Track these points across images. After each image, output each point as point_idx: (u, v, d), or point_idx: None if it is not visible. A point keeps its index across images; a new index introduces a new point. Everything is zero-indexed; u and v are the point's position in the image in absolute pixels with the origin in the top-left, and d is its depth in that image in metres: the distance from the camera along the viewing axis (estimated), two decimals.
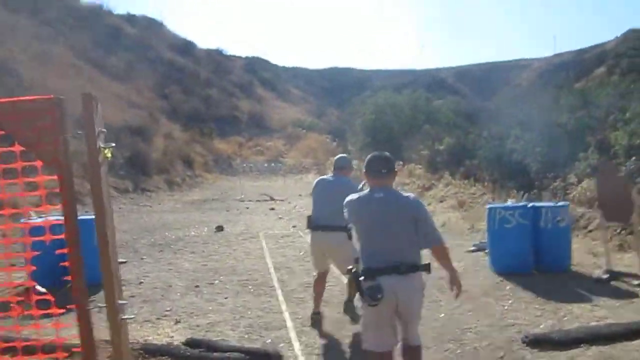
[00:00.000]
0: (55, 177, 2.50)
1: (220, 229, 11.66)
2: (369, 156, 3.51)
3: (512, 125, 20.70)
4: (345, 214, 3.51)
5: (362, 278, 3.17)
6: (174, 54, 40.99)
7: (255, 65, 55.06)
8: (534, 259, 7.00)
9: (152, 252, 9.33)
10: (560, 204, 7.33)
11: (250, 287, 6.74)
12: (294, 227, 11.86)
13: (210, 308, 5.84)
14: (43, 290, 3.42)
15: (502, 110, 23.45)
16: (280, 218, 13.65)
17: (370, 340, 3.27)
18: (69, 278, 2.55)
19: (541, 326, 4.97)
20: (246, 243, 10.06)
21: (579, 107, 16.77)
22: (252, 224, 12.75)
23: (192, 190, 22.31)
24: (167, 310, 5.78)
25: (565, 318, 5.19)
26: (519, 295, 6.01)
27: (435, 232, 3.31)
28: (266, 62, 62.97)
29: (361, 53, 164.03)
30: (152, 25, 44.37)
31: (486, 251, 8.23)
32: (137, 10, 45.99)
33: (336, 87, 72.02)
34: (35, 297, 2.80)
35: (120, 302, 2.73)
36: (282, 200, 18.13)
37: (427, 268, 3.28)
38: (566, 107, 16.74)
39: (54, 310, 2.77)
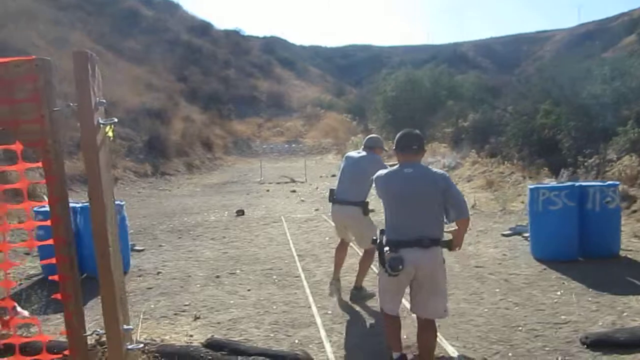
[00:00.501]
0: None
1: (240, 213, 11.24)
2: (400, 133, 3.59)
3: (540, 99, 19.87)
4: (375, 189, 3.65)
5: (386, 249, 3.30)
6: (191, 36, 40.44)
7: (273, 45, 54.33)
8: (579, 244, 6.42)
9: (171, 238, 8.94)
10: (608, 183, 6.68)
11: (274, 277, 6.28)
12: (316, 210, 11.39)
13: (232, 302, 5.40)
14: (26, 313, 2.97)
15: (528, 84, 22.49)
16: (302, 201, 13.18)
17: (387, 305, 3.49)
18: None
19: (599, 323, 4.42)
20: (268, 228, 9.62)
21: (614, 78, 15.88)
22: (273, 207, 12.31)
23: (212, 173, 21.95)
24: (185, 305, 5.35)
25: (625, 313, 4.62)
26: (568, 286, 5.44)
27: (465, 205, 3.42)
28: (284, 41, 62.25)
29: (379, 29, 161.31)
30: (168, 7, 43.87)
31: (525, 235, 7.68)
32: None
33: (354, 64, 71.06)
34: (16, 321, 2.28)
35: (126, 327, 2.13)
36: (302, 182, 17.66)
37: (449, 245, 3.40)
38: (600, 78, 15.85)
39: (41, 337, 2.27)
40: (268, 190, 15.70)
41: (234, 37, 47.08)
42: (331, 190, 5.31)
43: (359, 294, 5.30)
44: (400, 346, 3.50)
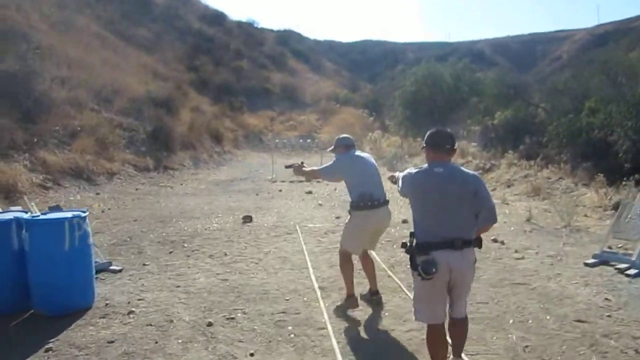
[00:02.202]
0: None
1: (248, 219, 9.29)
2: (431, 130, 3.38)
3: (579, 96, 17.80)
4: (401, 187, 3.44)
5: (416, 252, 3.10)
6: (203, 25, 38.48)
7: (287, 38, 52.20)
8: None
9: (160, 254, 7.01)
10: None
11: (289, 328, 4.34)
12: (337, 218, 9.40)
13: None
14: None
15: (559, 81, 20.35)
16: (319, 205, 11.18)
17: (423, 313, 3.21)
18: None
19: None
20: (280, 242, 7.66)
21: None
22: (286, 212, 10.34)
23: (220, 168, 20.00)
24: None
25: None
26: None
27: (495, 210, 3.23)
28: (298, 35, 60.12)
29: (393, 25, 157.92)
30: None
31: (620, 267, 5.71)
32: None
33: (369, 60, 69.15)
34: None
35: None
36: (318, 182, 15.65)
37: (479, 243, 3.18)
38: None
39: None
40: (280, 190, 13.73)
41: (247, 29, 45.01)
42: (363, 194, 4.58)
43: (379, 297, 4.88)
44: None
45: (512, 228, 8.21)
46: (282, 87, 36.99)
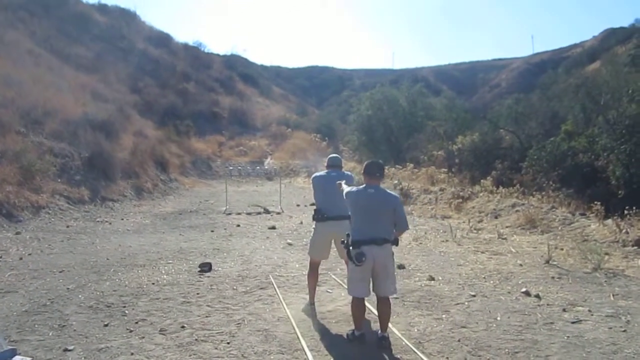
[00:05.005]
0: None
1: (206, 267, 7.33)
2: (367, 162, 4.67)
3: (545, 120, 16.98)
4: (345, 198, 4.60)
5: (351, 247, 4.25)
6: (148, 45, 36.14)
7: (234, 63, 50.38)
8: None
9: (90, 328, 4.98)
10: None
11: None
12: None
13: None
14: None
15: (528, 103, 19.58)
16: (289, 245, 9.31)
17: (354, 289, 4.38)
18: None
19: None
20: (254, 303, 5.76)
21: None
22: (251, 255, 8.44)
23: (166, 198, 17.77)
24: None
25: None
26: None
27: (406, 221, 4.46)
28: (245, 59, 58.41)
29: (340, 52, 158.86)
30: (124, 16, 39.43)
31: None
32: (108, 1, 41.46)
33: (315, 86, 68.66)
34: None
35: None
36: (279, 214, 13.82)
37: (395, 242, 4.37)
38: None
39: None
40: (238, 225, 11.76)
41: (193, 51, 42.87)
42: (319, 210, 5.38)
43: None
44: (362, 326, 4.43)
45: (534, 274, 6.68)
46: (231, 111, 35.04)
